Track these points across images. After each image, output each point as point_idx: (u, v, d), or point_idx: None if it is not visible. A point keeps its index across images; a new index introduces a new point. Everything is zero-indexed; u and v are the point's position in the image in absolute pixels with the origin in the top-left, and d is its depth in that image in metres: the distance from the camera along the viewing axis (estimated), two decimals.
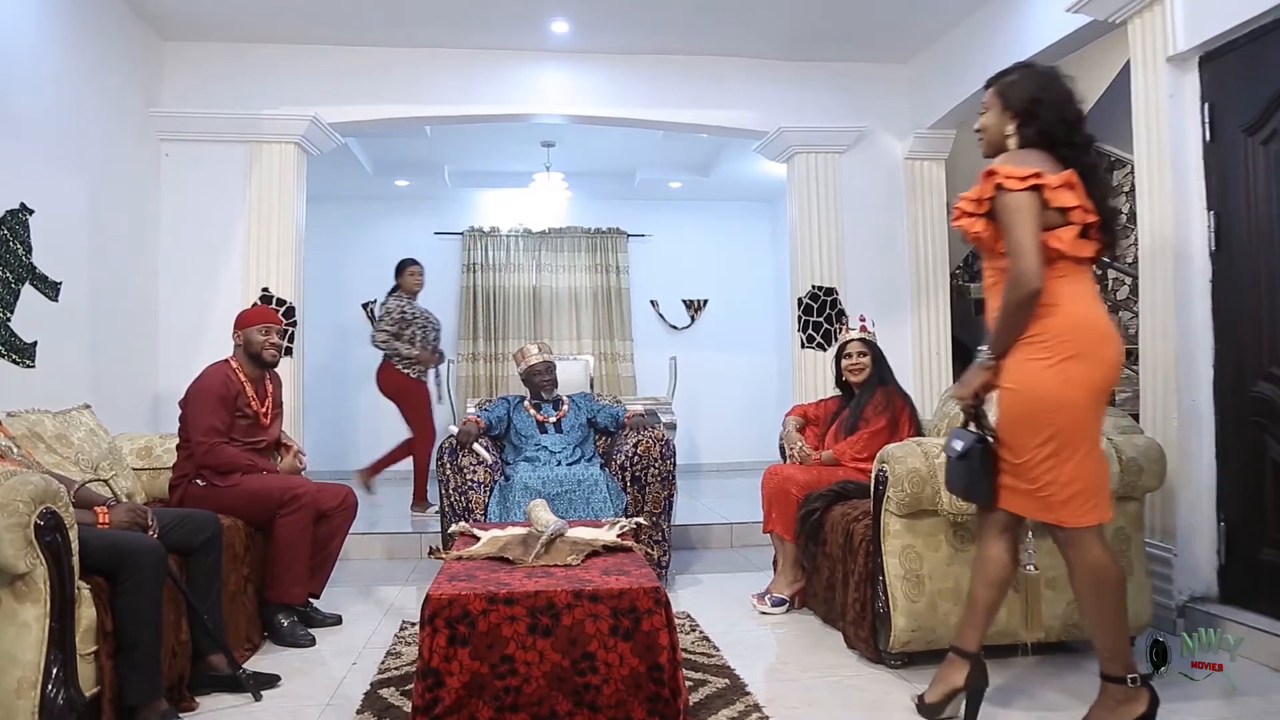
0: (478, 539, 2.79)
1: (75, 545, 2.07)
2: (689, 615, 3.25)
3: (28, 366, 3.39)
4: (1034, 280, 2.03)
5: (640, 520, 3.35)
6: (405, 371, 5.18)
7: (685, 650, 2.77)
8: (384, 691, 2.49)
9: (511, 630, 2.14)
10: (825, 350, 4.99)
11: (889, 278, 5.18)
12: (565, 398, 4.22)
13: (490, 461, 3.79)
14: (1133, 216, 3.75)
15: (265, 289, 4.65)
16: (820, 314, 5.11)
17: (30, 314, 3.40)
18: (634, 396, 7.04)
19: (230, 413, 3.14)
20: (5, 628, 1.93)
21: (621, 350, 7.81)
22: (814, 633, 3.13)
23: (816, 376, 5.01)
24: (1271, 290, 2.89)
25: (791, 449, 3.65)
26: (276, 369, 3.39)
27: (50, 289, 3.56)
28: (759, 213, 8.10)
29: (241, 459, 3.11)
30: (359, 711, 2.36)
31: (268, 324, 3.27)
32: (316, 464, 5.59)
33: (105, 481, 2.87)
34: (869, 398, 3.51)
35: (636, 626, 2.17)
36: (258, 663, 2.80)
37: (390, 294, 5.35)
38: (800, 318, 5.13)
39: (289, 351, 4.56)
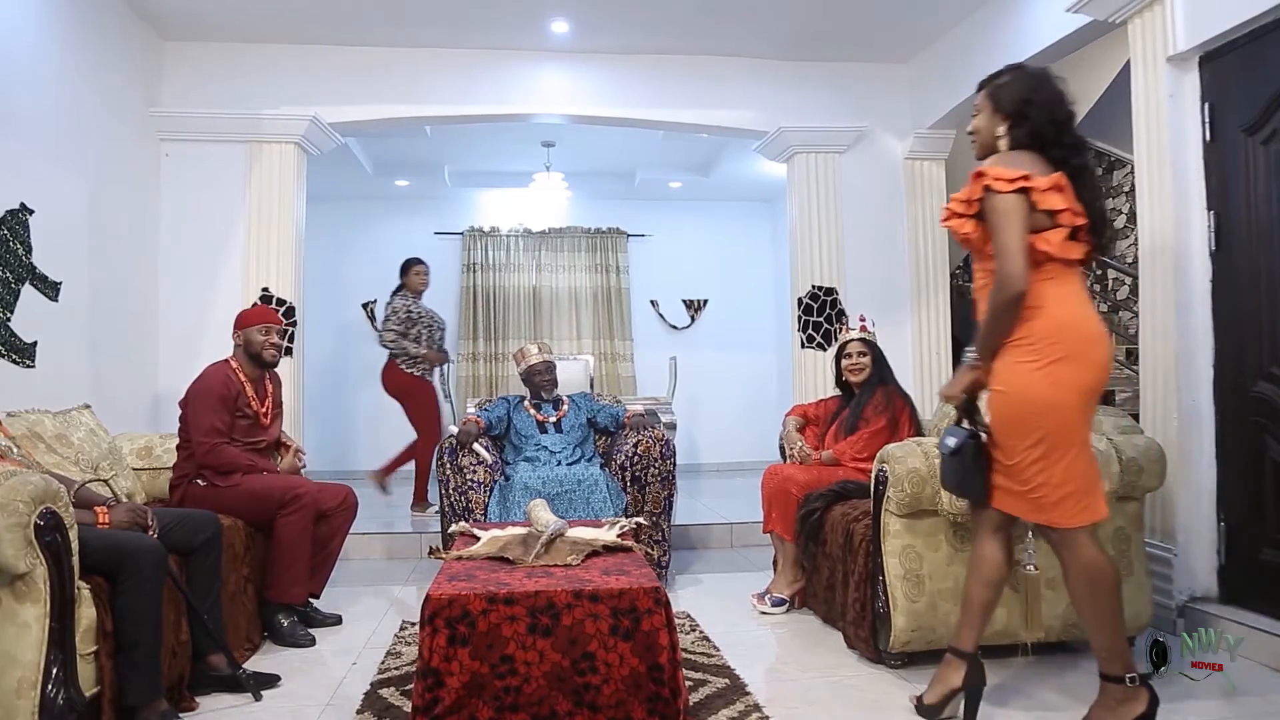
0: (478, 539, 2.79)
1: (75, 545, 2.07)
2: (689, 615, 3.25)
3: (28, 366, 3.39)
4: (1019, 283, 2.04)
5: (640, 520, 3.35)
6: (410, 371, 5.18)
7: (685, 650, 2.77)
8: (384, 691, 2.50)
9: (511, 630, 2.14)
10: (825, 350, 4.99)
11: (889, 278, 5.18)
12: (565, 398, 4.22)
13: (490, 461, 3.79)
14: (1133, 216, 3.75)
15: (265, 289, 4.65)
16: (820, 314, 5.11)
17: (30, 314, 3.40)
18: (634, 396, 7.04)
19: (231, 413, 3.14)
20: (5, 628, 1.93)
21: (621, 350, 7.81)
22: (814, 633, 3.13)
23: (816, 376, 5.01)
24: (1271, 290, 2.89)
25: (791, 449, 3.65)
26: (276, 369, 3.39)
27: (50, 289, 3.56)
28: (759, 213, 8.10)
29: (242, 459, 3.11)
30: (359, 711, 2.36)
31: (268, 324, 3.27)
32: (316, 464, 5.61)
33: (105, 481, 2.87)
34: (869, 398, 3.51)
35: (636, 626, 2.17)
36: (258, 663, 2.80)
37: (395, 293, 5.35)
38: (800, 318, 5.13)
39: (289, 351, 4.56)
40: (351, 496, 3.32)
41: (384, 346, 5.22)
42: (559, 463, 3.88)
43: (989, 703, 2.31)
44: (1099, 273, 6.84)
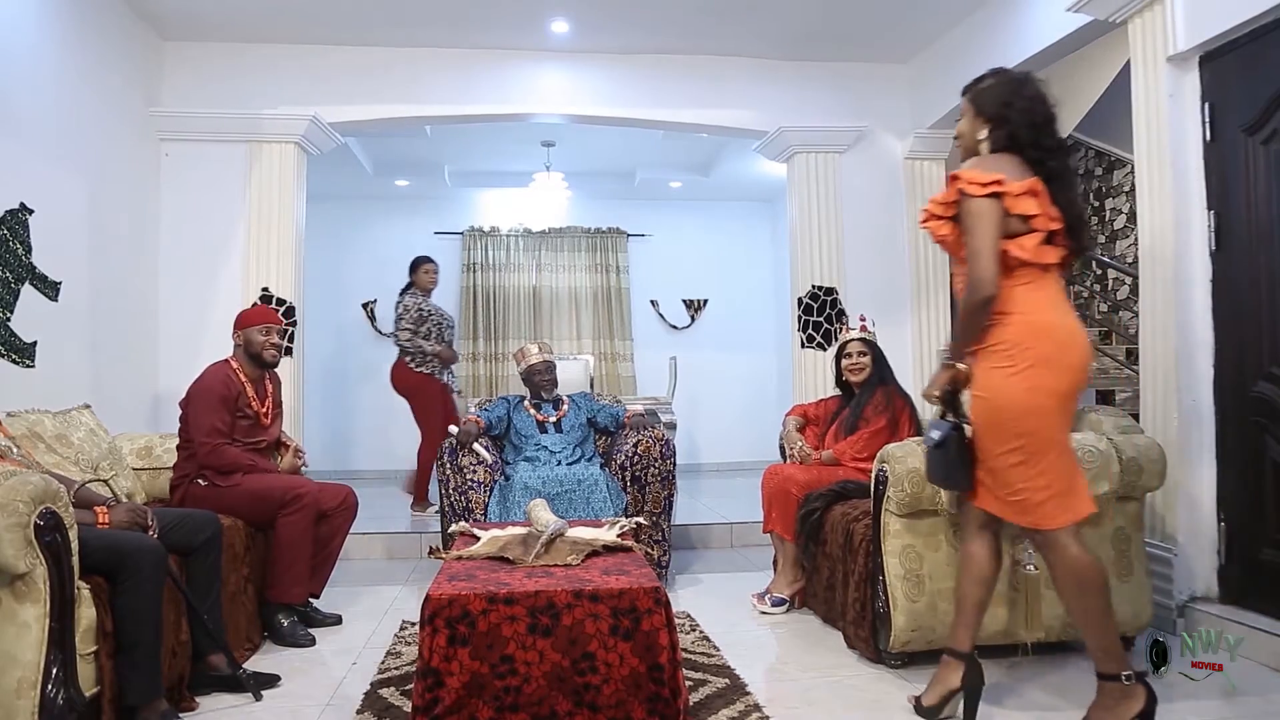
0: (478, 539, 2.79)
1: (75, 545, 2.07)
2: (689, 615, 3.25)
3: (28, 366, 3.39)
4: (988, 286, 2.06)
5: (640, 520, 3.35)
6: (419, 370, 5.18)
7: (685, 650, 2.77)
8: (384, 691, 2.50)
9: (511, 630, 2.14)
10: (825, 350, 4.99)
11: (889, 278, 5.18)
12: (565, 397, 4.22)
13: (490, 461, 3.79)
14: (1133, 216, 3.75)
15: (265, 289, 4.65)
16: (820, 314, 5.11)
17: (30, 314, 3.40)
18: (634, 396, 7.04)
19: (232, 413, 3.14)
20: (5, 628, 1.93)
21: (621, 350, 7.81)
22: (814, 633, 3.13)
23: (816, 376, 5.01)
24: (1271, 290, 2.89)
25: (791, 449, 3.65)
26: (276, 369, 3.39)
27: (50, 289, 3.56)
28: (759, 213, 8.10)
29: (243, 459, 3.12)
30: (359, 711, 2.36)
31: (268, 324, 3.27)
32: (317, 464, 5.61)
33: (105, 481, 2.87)
34: (869, 397, 3.51)
35: (636, 626, 2.17)
36: (258, 663, 2.80)
37: (405, 292, 5.34)
38: (800, 318, 5.13)
39: (289, 351, 4.56)
40: (352, 496, 3.32)
41: (399, 345, 5.21)
42: (559, 463, 3.88)
43: (988, 702, 2.31)
44: (1099, 273, 6.85)
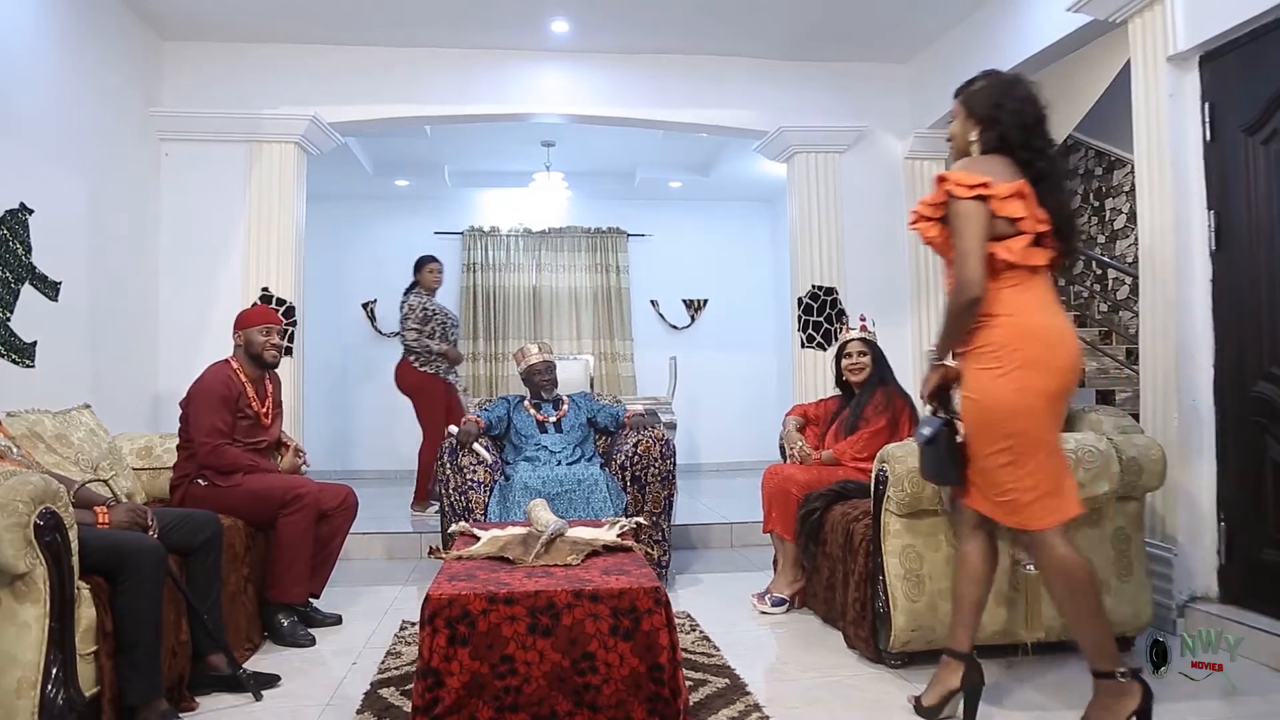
0: (478, 539, 2.79)
1: (75, 545, 2.07)
2: (689, 615, 3.25)
3: (28, 366, 3.39)
4: (974, 288, 2.08)
5: (640, 520, 3.35)
6: (423, 369, 5.18)
7: (685, 650, 2.77)
8: (384, 691, 2.50)
9: (511, 630, 2.14)
10: (825, 350, 4.99)
11: (889, 278, 5.18)
12: (565, 397, 4.22)
13: (490, 461, 3.79)
14: (1133, 216, 3.75)
15: (265, 289, 4.65)
16: (820, 314, 5.11)
17: (30, 314, 3.40)
18: (634, 396, 7.04)
19: (232, 413, 3.14)
20: (5, 628, 1.93)
21: (621, 350, 7.81)
22: (814, 632, 3.13)
23: (816, 376, 5.01)
24: (1271, 290, 2.89)
25: (791, 449, 3.65)
26: (276, 369, 3.39)
27: (50, 289, 3.56)
28: (759, 213, 8.11)
29: (244, 459, 3.12)
30: (359, 711, 2.36)
31: (268, 324, 3.27)
32: (317, 464, 5.60)
33: (105, 481, 2.87)
34: (869, 397, 3.51)
35: (636, 626, 2.17)
36: (258, 663, 2.80)
37: (410, 291, 5.34)
38: (800, 317, 5.13)
39: (289, 351, 4.56)
40: (352, 496, 3.32)
41: (407, 345, 5.21)
42: (559, 462, 3.88)
43: (988, 702, 2.31)
44: (1099, 273, 6.85)
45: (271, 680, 2.58)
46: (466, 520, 3.39)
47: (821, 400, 3.92)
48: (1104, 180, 6.84)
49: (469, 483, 3.68)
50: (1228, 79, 3.05)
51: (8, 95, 3.33)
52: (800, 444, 3.62)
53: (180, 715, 2.28)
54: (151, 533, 2.37)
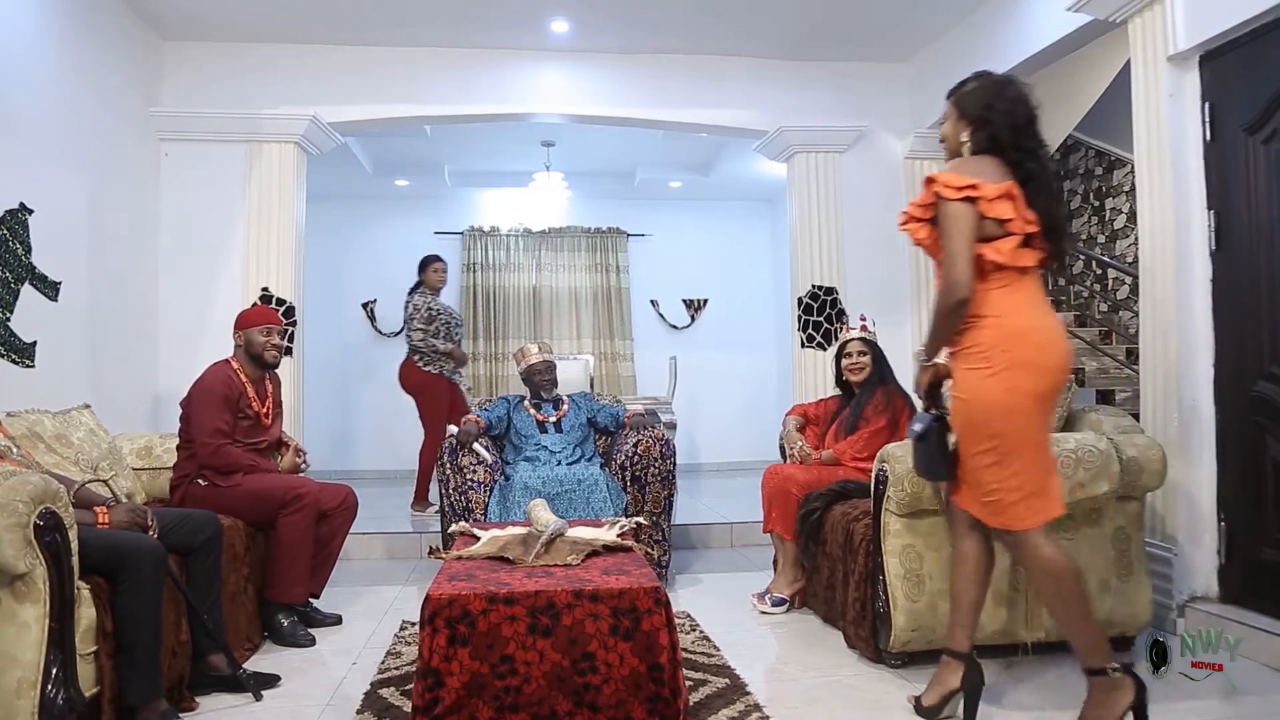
0: (478, 539, 2.79)
1: (75, 545, 2.07)
2: (689, 615, 3.25)
3: (27, 366, 3.39)
4: (962, 289, 2.09)
5: (640, 520, 3.35)
6: (427, 369, 5.18)
7: (685, 650, 2.77)
8: (384, 691, 2.49)
9: (511, 630, 2.14)
10: (825, 350, 4.99)
11: (889, 278, 5.18)
12: (565, 397, 4.22)
13: (490, 461, 3.79)
14: (1133, 216, 3.74)
15: (265, 289, 4.65)
16: (820, 313, 5.11)
17: (30, 314, 3.40)
18: (634, 396, 7.05)
19: (233, 414, 3.14)
20: (5, 628, 1.93)
21: (621, 350, 7.81)
22: (814, 632, 3.13)
23: (816, 376, 5.01)
24: (1271, 290, 2.89)
25: (791, 449, 3.65)
26: (277, 369, 3.39)
27: (50, 289, 3.56)
28: (759, 212, 8.11)
29: (245, 459, 3.12)
30: (359, 711, 2.36)
31: (269, 325, 3.27)
32: (317, 464, 5.59)
33: (105, 481, 2.87)
34: (869, 397, 3.51)
35: (636, 626, 2.17)
36: (258, 663, 2.80)
37: (414, 291, 5.34)
38: (800, 317, 5.13)
39: (289, 351, 4.56)
40: (352, 496, 3.32)
41: (414, 345, 5.21)
42: (559, 462, 3.88)
43: (988, 702, 2.31)
44: (1099, 273, 6.85)
45: (271, 680, 2.58)
46: (466, 520, 3.39)
47: (821, 400, 3.92)
48: (1104, 180, 6.84)
49: (469, 483, 3.68)
50: (1228, 79, 3.05)
51: (8, 95, 3.33)
52: (800, 444, 3.62)
53: (180, 715, 2.28)
54: (151, 533, 2.37)
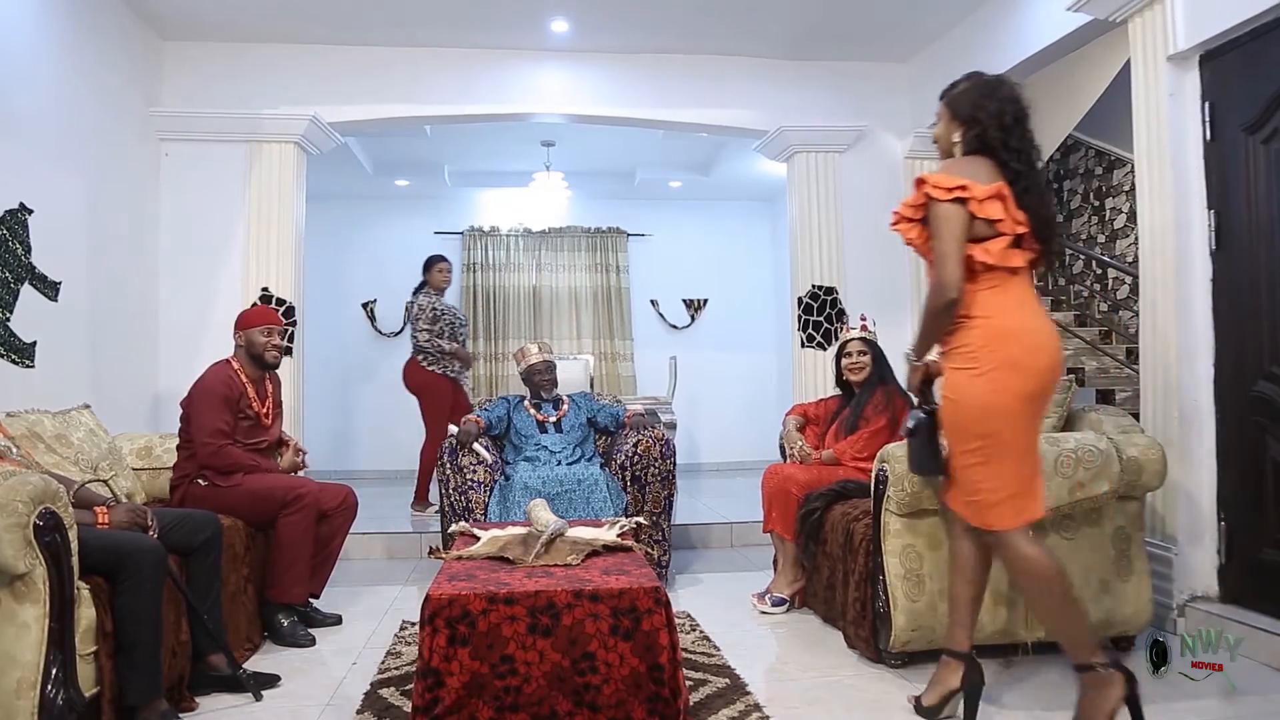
0: (478, 539, 2.79)
1: (75, 545, 2.07)
2: (689, 615, 3.25)
3: (27, 366, 3.39)
4: (951, 290, 2.09)
5: (640, 520, 3.35)
6: (430, 369, 5.18)
7: (685, 650, 2.77)
8: (384, 691, 2.49)
9: (511, 630, 2.14)
10: (825, 350, 4.99)
11: (889, 278, 5.17)
12: (565, 397, 4.22)
13: (490, 461, 3.79)
14: (1133, 216, 3.74)
15: (265, 289, 4.65)
16: (820, 313, 5.11)
17: (30, 314, 3.40)
18: (634, 396, 7.05)
19: (234, 414, 3.14)
20: (5, 628, 1.93)
21: (621, 350, 7.81)
22: (814, 632, 3.13)
23: (816, 376, 5.01)
24: (1271, 290, 2.89)
25: (791, 448, 3.65)
26: (277, 369, 3.39)
27: (50, 289, 3.56)
28: (759, 212, 8.10)
29: (245, 459, 3.12)
30: (359, 711, 2.36)
31: (270, 325, 3.27)
32: (317, 464, 5.60)
33: (105, 481, 2.87)
34: (869, 397, 3.50)
35: (636, 626, 2.17)
36: (258, 663, 2.80)
37: (419, 291, 5.34)
38: (800, 317, 5.13)
39: (289, 351, 4.56)
40: (352, 496, 3.32)
41: (419, 346, 5.20)
42: (559, 462, 3.88)
43: (988, 702, 2.31)
44: (1099, 273, 6.85)
45: (271, 680, 2.58)
46: (466, 520, 3.39)
47: (821, 400, 3.92)
48: (1104, 180, 6.84)
49: (469, 483, 3.68)
50: (1228, 78, 3.04)
51: (8, 95, 3.33)
52: (800, 444, 3.62)
53: (180, 715, 2.28)
54: (151, 533, 2.37)
